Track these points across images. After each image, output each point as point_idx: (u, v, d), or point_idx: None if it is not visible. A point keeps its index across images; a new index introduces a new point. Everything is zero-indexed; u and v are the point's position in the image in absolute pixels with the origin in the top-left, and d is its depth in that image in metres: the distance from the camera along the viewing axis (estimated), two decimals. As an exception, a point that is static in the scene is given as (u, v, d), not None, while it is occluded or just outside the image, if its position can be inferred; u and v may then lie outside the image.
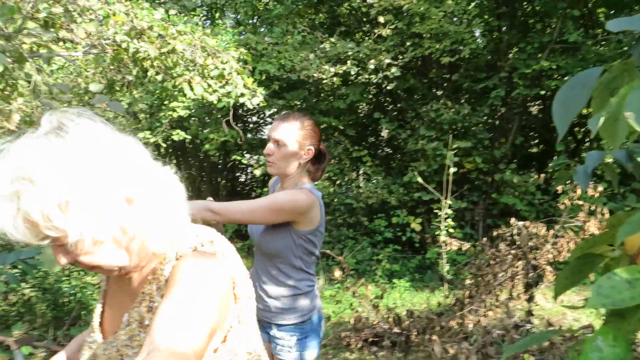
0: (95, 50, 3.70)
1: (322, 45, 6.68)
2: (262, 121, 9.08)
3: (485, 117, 6.93)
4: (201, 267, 0.87)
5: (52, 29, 3.15)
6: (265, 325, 1.95)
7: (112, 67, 4.38)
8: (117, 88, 4.53)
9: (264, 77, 6.64)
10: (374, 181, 7.39)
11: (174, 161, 8.89)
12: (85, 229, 0.77)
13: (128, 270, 0.91)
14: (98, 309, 1.06)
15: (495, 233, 4.17)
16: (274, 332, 1.92)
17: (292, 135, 1.87)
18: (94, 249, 0.81)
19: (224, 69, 3.87)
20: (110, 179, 0.78)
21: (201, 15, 7.06)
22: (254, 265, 2.03)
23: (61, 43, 3.49)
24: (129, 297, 0.97)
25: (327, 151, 2.01)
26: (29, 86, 3.13)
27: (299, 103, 7.58)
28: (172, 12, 5.15)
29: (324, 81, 6.59)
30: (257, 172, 7.57)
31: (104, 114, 6.62)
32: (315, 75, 6.40)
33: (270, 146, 1.89)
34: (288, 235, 1.85)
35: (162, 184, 0.89)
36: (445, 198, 5.55)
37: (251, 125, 9.11)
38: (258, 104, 4.34)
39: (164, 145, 6.90)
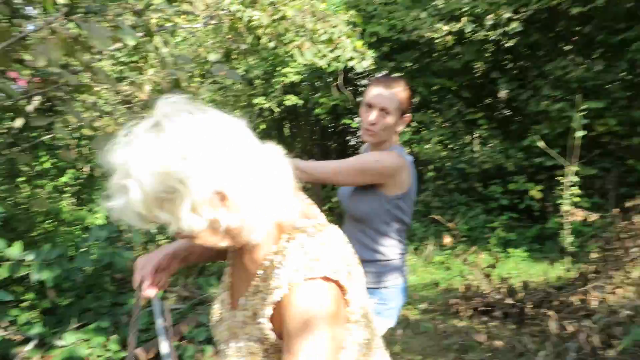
0: (213, 21, 3.89)
1: (434, 3, 6.35)
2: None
3: (622, 74, 6.14)
4: (315, 304, 0.88)
5: (175, 3, 3.37)
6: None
7: (228, 37, 4.59)
8: (234, 56, 4.74)
9: (374, 39, 6.53)
10: (489, 145, 7.01)
11: (287, 125, 9.19)
12: (183, 222, 0.83)
13: (236, 248, 0.96)
14: (229, 269, 1.12)
15: (629, 204, 3.76)
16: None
17: (396, 102, 1.79)
18: (197, 236, 0.88)
19: (333, 33, 3.87)
20: (204, 176, 0.81)
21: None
22: (344, 228, 1.98)
23: (184, 16, 3.72)
24: (244, 276, 1.02)
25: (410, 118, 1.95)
26: (157, 58, 3.40)
27: (410, 64, 7.35)
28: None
29: (437, 40, 6.29)
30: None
31: (222, 80, 7.01)
32: (427, 34, 6.13)
33: (374, 114, 1.80)
34: (376, 199, 1.80)
35: (260, 173, 0.89)
36: (571, 164, 5.09)
37: (361, 89, 9.06)
38: (367, 67, 4.29)
39: (277, 109, 7.15)
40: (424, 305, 4.16)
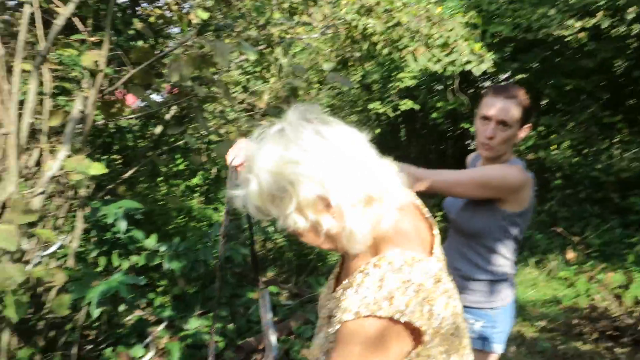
0: (330, 30, 4.04)
1: (566, -3, 5.88)
2: (494, 84, 8.56)
3: None
4: (370, 344, 0.89)
5: (295, 16, 3.57)
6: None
7: (344, 45, 4.72)
8: (350, 63, 4.86)
9: (496, 40, 6.23)
10: (631, 152, 6.29)
11: (403, 129, 9.13)
12: (290, 219, 0.91)
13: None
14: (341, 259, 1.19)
15: None
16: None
17: (515, 114, 1.66)
18: (302, 233, 0.95)
19: (448, 37, 3.79)
20: (311, 182, 0.87)
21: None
22: (447, 241, 1.89)
23: (302, 27, 3.92)
24: (343, 274, 1.08)
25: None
26: (277, 68, 3.62)
27: (536, 65, 6.88)
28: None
29: (567, 38, 5.81)
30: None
31: (339, 86, 7.19)
32: (556, 32, 5.69)
33: (491, 128, 1.68)
34: (491, 215, 1.69)
35: (369, 187, 0.91)
36: None
37: (483, 90, 8.67)
38: (486, 70, 4.13)
39: (392, 114, 7.15)
40: (542, 323, 3.88)
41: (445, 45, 3.82)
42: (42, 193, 1.92)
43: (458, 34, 3.88)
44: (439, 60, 3.94)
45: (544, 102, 7.56)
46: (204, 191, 5.44)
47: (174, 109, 3.14)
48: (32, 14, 1.93)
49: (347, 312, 0.90)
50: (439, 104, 7.02)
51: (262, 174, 0.88)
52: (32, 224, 1.99)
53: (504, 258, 1.76)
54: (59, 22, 1.75)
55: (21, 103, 2.00)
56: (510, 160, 1.76)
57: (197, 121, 2.34)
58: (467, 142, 9.54)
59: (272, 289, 3.77)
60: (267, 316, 2.44)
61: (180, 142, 3.64)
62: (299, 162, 0.86)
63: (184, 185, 5.14)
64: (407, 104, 6.77)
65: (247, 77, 5.96)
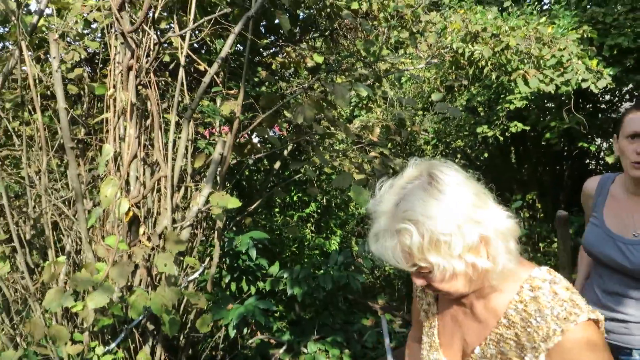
0: (434, 60, 4.11)
1: (697, 0, 5.37)
2: (616, 99, 7.93)
3: None
4: (595, 346, 0.93)
5: (400, 51, 3.70)
6: (619, 351, 1.70)
7: (450, 71, 4.76)
8: (455, 89, 4.87)
9: (615, 52, 5.83)
10: None
11: (513, 152, 8.76)
12: (449, 265, 0.93)
13: (465, 295, 1.04)
14: (433, 326, 1.16)
15: None
16: (636, 357, 1.67)
17: None
18: (448, 280, 0.96)
19: (562, 56, 3.67)
20: (473, 223, 0.93)
21: (535, 1, 6.74)
22: (595, 281, 1.76)
23: (407, 60, 4.04)
24: (475, 326, 1.07)
25: None
26: (385, 101, 3.76)
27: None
28: (506, 3, 5.15)
29: (701, 44, 5.27)
30: (610, 160, 6.71)
31: (444, 113, 7.14)
32: (687, 39, 5.20)
33: None
34: None
35: (504, 223, 0.97)
36: None
37: (603, 106, 8.07)
38: (605, 87, 3.91)
39: (502, 138, 6.93)
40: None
41: (558, 64, 3.70)
42: (190, 225, 2.21)
43: (572, 53, 3.74)
44: (551, 81, 3.82)
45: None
46: (315, 221, 5.68)
47: (290, 146, 3.40)
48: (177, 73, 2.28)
49: (555, 335, 0.92)
50: (552, 124, 6.67)
51: (427, 221, 0.90)
52: (180, 253, 2.28)
53: None
54: (206, 80, 2.05)
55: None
56: None
57: (316, 156, 2.53)
58: (586, 162, 8.88)
59: (387, 316, 3.83)
60: (386, 341, 2.54)
61: (296, 176, 3.91)
62: (459, 204, 0.92)
63: (296, 216, 5.42)
64: (517, 126, 6.54)
65: (352, 107, 6.18)
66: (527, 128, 7.01)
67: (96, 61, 3.60)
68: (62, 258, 2.08)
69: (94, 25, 3.18)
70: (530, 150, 8.88)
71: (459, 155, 8.54)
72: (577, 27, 4.63)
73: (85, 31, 3.11)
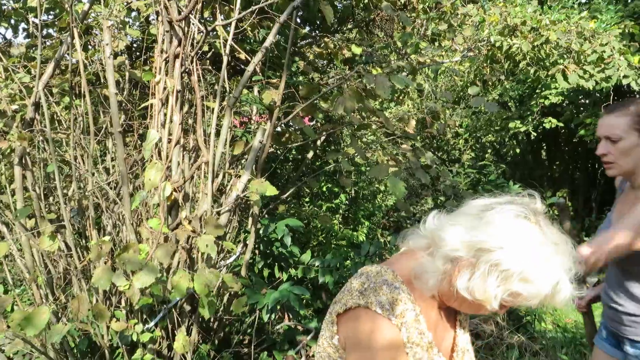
0: (471, 53, 4.07)
1: None
2: (655, 98, 7.71)
3: None
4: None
5: (436, 44, 3.68)
6: (618, 338, 1.79)
7: (485, 65, 4.70)
8: (490, 84, 4.81)
9: (658, 48, 5.67)
10: None
11: (545, 149, 8.61)
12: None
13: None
14: (428, 336, 1.13)
15: None
16: (627, 348, 1.74)
17: (623, 125, 1.62)
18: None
19: (603, 51, 3.59)
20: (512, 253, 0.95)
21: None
22: (607, 270, 1.83)
23: (444, 52, 4.01)
24: (450, 324, 1.16)
25: None
26: (419, 94, 3.75)
27: None
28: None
29: None
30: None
31: (476, 109, 7.06)
32: None
33: (602, 145, 1.68)
34: None
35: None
36: None
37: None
38: (647, 84, 3.82)
39: (534, 134, 6.82)
40: None
41: (599, 60, 3.62)
42: (229, 211, 2.27)
43: (614, 48, 3.66)
44: (591, 76, 3.74)
45: None
46: (344, 211, 5.71)
47: (323, 136, 3.42)
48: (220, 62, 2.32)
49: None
50: (587, 121, 6.54)
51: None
52: (218, 237, 2.35)
53: None
54: (250, 69, 2.09)
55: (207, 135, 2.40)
56: None
57: (352, 147, 2.56)
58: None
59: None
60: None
61: (327, 167, 3.94)
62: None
63: (325, 207, 5.46)
64: (552, 122, 6.43)
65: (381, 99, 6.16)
66: (561, 124, 6.89)
67: (133, 49, 3.69)
68: (107, 238, 2.17)
69: (133, 14, 3.25)
70: (563, 147, 8.72)
71: (489, 151, 8.44)
72: (620, 22, 4.51)
73: (128, 19, 3.19)
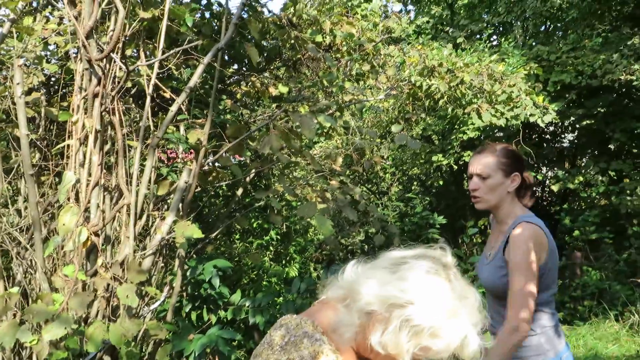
0: (393, 92, 4.27)
1: (630, 42, 5.86)
2: (559, 130, 8.43)
3: None
4: None
5: (360, 83, 3.83)
6: None
7: (407, 102, 4.94)
8: (413, 120, 5.04)
9: (558, 87, 6.24)
10: None
11: (466, 180, 9.09)
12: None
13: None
14: None
15: None
16: None
17: (492, 165, 1.81)
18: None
19: (511, 92, 3.90)
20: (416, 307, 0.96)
21: (486, 39, 7.15)
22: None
23: (367, 91, 4.17)
24: None
25: (531, 177, 1.90)
26: (346, 130, 3.85)
27: (603, 110, 6.78)
28: (459, 39, 5.43)
29: (635, 83, 5.73)
30: (555, 188, 7.09)
31: (401, 145, 7.36)
32: (622, 77, 5.65)
33: (474, 181, 1.85)
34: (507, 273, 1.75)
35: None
36: None
37: (548, 136, 8.56)
38: (550, 121, 4.17)
39: (455, 166, 7.20)
40: (632, 382, 3.67)
41: (509, 99, 3.93)
42: (153, 254, 2.18)
43: (520, 89, 3.98)
44: (502, 115, 4.04)
45: (613, 146, 7.35)
46: (275, 247, 5.67)
47: (252, 174, 3.41)
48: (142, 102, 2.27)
49: None
50: (502, 154, 7.02)
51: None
52: (141, 282, 2.24)
53: (539, 311, 1.81)
54: (174, 109, 2.06)
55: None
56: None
57: (281, 185, 2.57)
58: (534, 190, 9.31)
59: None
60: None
61: (258, 204, 3.91)
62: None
63: (256, 243, 5.40)
64: (470, 156, 6.81)
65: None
66: (480, 157, 7.33)
67: (51, 84, 3.52)
68: (14, 289, 2.00)
69: (51, 47, 3.12)
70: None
71: (415, 182, 8.80)
72: (525, 64, 4.93)
73: (44, 53, 3.05)
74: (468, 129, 6.41)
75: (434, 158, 7.14)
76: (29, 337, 1.68)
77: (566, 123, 7.89)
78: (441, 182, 8.19)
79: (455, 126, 6.85)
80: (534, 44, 6.93)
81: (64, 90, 2.90)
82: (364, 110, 5.88)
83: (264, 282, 5.23)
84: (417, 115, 4.58)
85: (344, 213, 2.57)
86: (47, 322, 1.78)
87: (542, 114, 4.14)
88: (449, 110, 4.09)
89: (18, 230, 2.39)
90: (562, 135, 8.40)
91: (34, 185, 1.98)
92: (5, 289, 2.17)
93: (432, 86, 3.90)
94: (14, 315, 2.20)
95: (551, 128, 8.45)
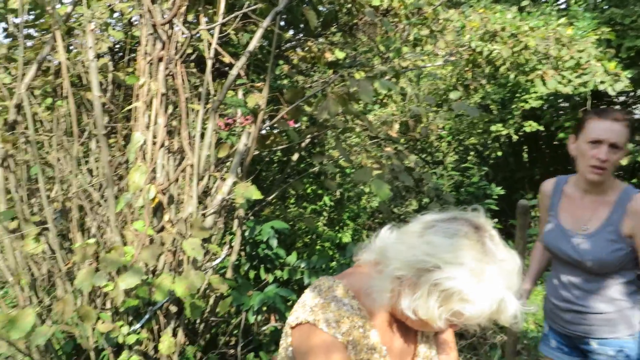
0: (452, 57, 4.15)
1: None
2: (630, 101, 7.91)
3: None
4: None
5: (418, 48, 3.74)
6: (578, 340, 1.85)
7: (466, 69, 4.78)
8: (472, 88, 4.90)
9: (632, 54, 5.82)
10: None
11: (526, 151, 8.77)
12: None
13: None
14: (381, 350, 1.11)
15: None
16: (594, 346, 1.79)
17: (625, 135, 1.69)
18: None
19: (580, 57, 3.69)
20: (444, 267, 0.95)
21: (554, 1, 6.72)
22: (554, 275, 1.90)
23: (425, 57, 4.07)
24: (412, 335, 1.15)
25: None
26: (402, 97, 3.80)
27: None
28: (524, 2, 5.16)
29: None
30: (624, 162, 6.71)
31: (458, 112, 7.16)
32: None
33: (605, 150, 1.68)
34: (622, 247, 1.70)
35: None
36: None
37: (617, 106, 8.06)
38: (622, 90, 3.93)
39: (515, 137, 6.95)
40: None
41: (577, 66, 3.72)
42: (214, 213, 2.28)
43: (590, 54, 3.76)
44: (569, 82, 3.84)
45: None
46: (328, 213, 5.75)
47: (308, 139, 3.46)
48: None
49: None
50: (566, 124, 6.68)
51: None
52: (204, 239, 2.36)
53: (634, 284, 1.78)
54: (234, 73, 2.11)
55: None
56: (624, 190, 1.75)
57: (337, 150, 2.60)
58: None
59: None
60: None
61: (311, 169, 3.97)
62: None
63: (310, 208, 5.49)
64: (532, 126, 6.55)
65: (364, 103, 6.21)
66: (541, 128, 7.03)
67: (115, 50, 3.68)
68: (92, 240, 2.17)
69: (116, 15, 3.25)
70: (543, 150, 8.88)
71: (472, 153, 8.56)
72: (596, 28, 4.63)
73: (111, 21, 3.19)
74: (530, 98, 6.14)
75: (493, 128, 6.91)
76: (104, 282, 1.83)
77: (638, 92, 7.37)
78: (499, 153, 7.93)
79: (517, 94, 6.57)
80: (606, 6, 6.45)
81: (128, 56, 3.03)
82: (421, 77, 5.75)
83: (317, 247, 5.35)
84: (477, 82, 4.43)
85: (399, 179, 2.57)
86: (120, 271, 1.93)
87: (613, 81, 3.89)
88: (511, 77, 3.93)
89: (91, 187, 2.57)
90: (634, 106, 7.88)
91: (106, 144, 2.11)
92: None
93: (494, 52, 3.75)
94: (90, 264, 2.40)
95: (621, 98, 7.94)
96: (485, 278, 0.93)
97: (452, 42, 4.09)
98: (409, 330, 1.13)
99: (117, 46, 3.62)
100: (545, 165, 8.76)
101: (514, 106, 6.68)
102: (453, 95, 3.06)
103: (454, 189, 5.82)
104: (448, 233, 0.98)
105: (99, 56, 3.05)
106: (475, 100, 7.25)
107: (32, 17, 3.15)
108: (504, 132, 6.79)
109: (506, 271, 0.95)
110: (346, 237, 5.87)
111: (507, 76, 4.89)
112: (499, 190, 5.31)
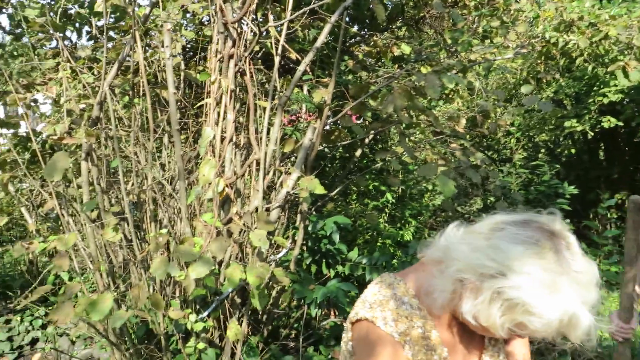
0: (524, 50, 3.96)
1: None
2: None
3: None
4: None
5: (487, 41, 3.61)
6: None
7: (539, 61, 4.56)
8: (544, 81, 4.67)
9: None
10: None
11: (603, 149, 8.24)
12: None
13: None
14: (442, 352, 1.07)
15: None
16: None
17: None
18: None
19: (668, 46, 3.41)
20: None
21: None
22: None
23: (495, 49, 3.92)
24: (478, 342, 1.10)
25: None
26: (469, 92, 3.69)
27: None
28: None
29: None
30: None
31: (528, 107, 6.85)
32: None
33: None
34: None
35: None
36: None
37: None
38: None
39: (591, 133, 6.55)
40: None
41: (663, 56, 3.44)
42: (279, 207, 2.33)
43: (682, 43, 3.47)
44: (655, 73, 3.56)
45: None
46: (390, 210, 5.70)
47: (371, 134, 3.44)
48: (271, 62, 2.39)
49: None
50: (649, 120, 6.21)
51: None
52: (269, 232, 2.41)
53: None
54: (301, 69, 2.14)
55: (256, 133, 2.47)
56: None
57: (401, 145, 2.57)
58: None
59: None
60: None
61: (374, 166, 3.94)
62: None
63: (372, 205, 5.47)
64: (610, 121, 6.14)
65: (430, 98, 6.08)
66: (621, 124, 6.57)
67: (187, 50, 3.83)
68: (164, 230, 2.28)
69: (187, 15, 3.38)
70: (622, 147, 8.30)
71: (542, 150, 8.17)
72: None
73: (183, 21, 3.32)
74: (610, 91, 5.75)
75: (567, 124, 6.54)
76: (178, 271, 1.91)
77: None
78: (573, 151, 7.51)
79: (594, 88, 6.18)
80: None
81: (198, 56, 3.15)
82: (490, 70, 5.55)
83: (378, 244, 5.32)
84: (550, 75, 4.21)
85: (466, 175, 2.50)
86: (192, 262, 2.01)
87: None
88: (589, 69, 3.70)
89: (165, 180, 2.70)
90: None
91: (179, 139, 2.21)
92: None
93: (570, 42, 3.54)
94: (162, 254, 2.52)
95: None
96: (557, 290, 0.86)
97: (524, 34, 3.91)
98: (474, 333, 1.07)
99: (189, 46, 3.78)
100: (624, 163, 8.19)
101: (590, 100, 6.29)
102: (525, 89, 2.91)
103: (522, 188, 5.58)
104: (518, 239, 0.91)
105: (172, 56, 3.19)
106: (547, 94, 6.89)
107: (112, 19, 3.35)
108: (579, 128, 6.41)
109: (582, 284, 0.87)
110: (408, 235, 5.79)
111: (584, 68, 4.61)
112: (572, 189, 5.03)
